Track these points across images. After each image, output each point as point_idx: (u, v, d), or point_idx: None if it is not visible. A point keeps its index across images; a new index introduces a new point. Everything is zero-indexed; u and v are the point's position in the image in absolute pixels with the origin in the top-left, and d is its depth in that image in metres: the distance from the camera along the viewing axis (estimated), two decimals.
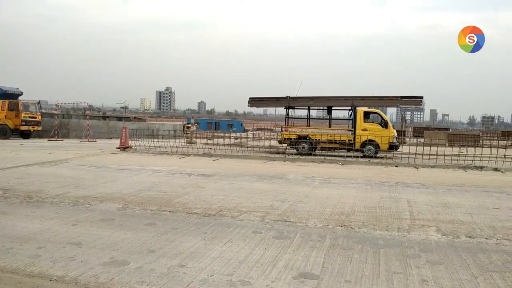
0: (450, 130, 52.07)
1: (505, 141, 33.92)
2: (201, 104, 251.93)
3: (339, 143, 18.31)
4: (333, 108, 20.12)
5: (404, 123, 45.96)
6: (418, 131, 44.40)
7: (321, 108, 21.58)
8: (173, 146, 17.74)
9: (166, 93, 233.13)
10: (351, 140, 18.16)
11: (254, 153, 17.02)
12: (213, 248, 4.85)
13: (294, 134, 19.02)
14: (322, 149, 18.51)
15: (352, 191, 8.99)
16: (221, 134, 31.25)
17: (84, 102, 33.24)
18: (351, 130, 18.50)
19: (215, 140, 23.66)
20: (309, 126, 19.98)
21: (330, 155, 17.07)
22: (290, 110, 19.68)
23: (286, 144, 19.20)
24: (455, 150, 20.27)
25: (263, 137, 27.92)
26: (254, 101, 20.69)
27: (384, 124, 18.42)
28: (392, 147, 18.03)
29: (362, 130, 18.23)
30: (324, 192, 8.78)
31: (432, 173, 12.74)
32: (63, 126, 29.63)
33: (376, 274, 4.19)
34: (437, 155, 16.03)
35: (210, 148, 17.91)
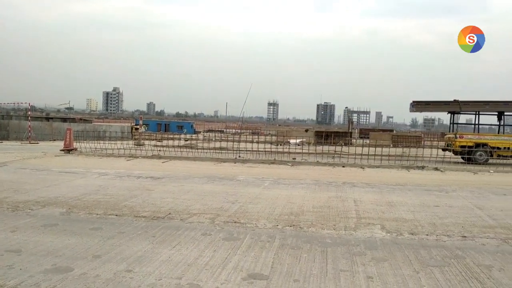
0: (394, 132, 54.13)
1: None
2: (150, 105, 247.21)
3: None
4: (505, 113, 19.46)
5: (351, 125, 47.27)
6: (364, 133, 45.89)
7: (491, 113, 20.02)
8: (120, 148, 17.28)
9: (114, 94, 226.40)
10: None
11: (205, 154, 16.90)
12: (162, 252, 4.77)
13: (470, 141, 18.08)
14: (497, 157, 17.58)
15: (301, 191, 9.13)
16: (171, 136, 30.83)
17: (26, 102, 31.65)
18: None
19: (165, 142, 23.34)
20: (478, 132, 19.42)
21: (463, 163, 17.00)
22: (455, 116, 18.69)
23: (450, 151, 18.43)
24: (399, 150, 21.08)
25: (213, 139, 27.81)
26: (420, 105, 19.71)
27: None
28: None
29: None
30: (274, 193, 8.87)
31: (377, 173, 13.19)
32: (3, 128, 28.11)
33: (324, 272, 4.27)
34: (382, 155, 16.62)
35: (159, 150, 17.63)
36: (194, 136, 37.32)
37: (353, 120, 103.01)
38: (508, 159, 17.38)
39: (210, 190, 8.99)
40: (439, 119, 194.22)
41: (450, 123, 20.15)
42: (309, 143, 23.21)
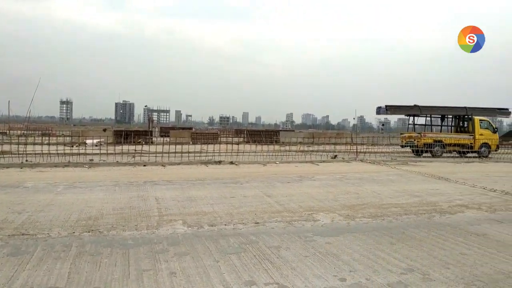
0: (193, 129, 56.05)
1: (237, 138, 38.59)
2: None
3: (461, 146, 22.46)
4: (447, 116, 24.62)
5: (151, 123, 47.01)
6: (165, 131, 46.16)
7: (437, 116, 25.15)
8: None
9: None
10: (471, 144, 22.59)
11: None
12: None
13: (431, 139, 22.55)
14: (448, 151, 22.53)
15: (100, 194, 8.68)
16: None
17: None
18: (472, 135, 22.88)
19: None
20: (431, 132, 24.18)
21: (453, 157, 21.57)
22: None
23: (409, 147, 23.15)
24: (198, 147, 21.90)
25: None
26: (392, 108, 23.94)
27: (494, 129, 23.97)
28: (497, 148, 23.64)
29: (480, 135, 22.93)
30: (69, 198, 8.20)
31: (178, 170, 13.44)
32: None
33: (126, 275, 4.15)
34: (182, 152, 17.01)
35: None
36: None
37: (154, 118, 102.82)
38: (451, 153, 22.43)
39: None
40: (233, 117, 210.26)
41: (409, 124, 24.86)
42: (107, 143, 22.19)
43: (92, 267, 4.36)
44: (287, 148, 21.65)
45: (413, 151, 23.04)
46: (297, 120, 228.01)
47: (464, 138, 23.10)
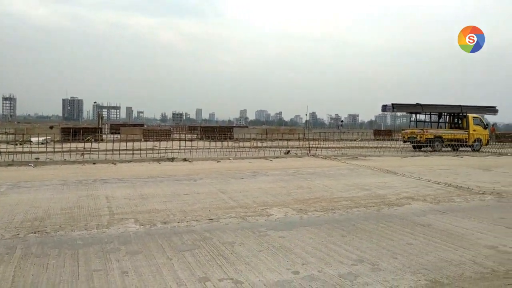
0: (145, 126, 54.97)
1: (191, 135, 38.26)
2: None
3: (457, 141, 24.13)
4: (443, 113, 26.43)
5: (100, 120, 45.60)
6: (115, 128, 44.90)
7: (435, 113, 26.58)
8: None
9: None
10: (466, 139, 24.45)
11: None
12: None
13: (431, 134, 24.34)
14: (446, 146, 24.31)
15: (46, 193, 8.34)
16: None
17: None
18: (467, 131, 24.78)
19: None
20: (431, 128, 25.71)
21: (446, 151, 23.70)
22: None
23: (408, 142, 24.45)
24: (150, 144, 21.52)
25: None
26: (398, 106, 25.62)
27: (485, 126, 26.17)
28: (488, 142, 26.01)
29: (473, 131, 24.95)
30: (13, 198, 7.83)
31: (129, 168, 13.15)
32: None
33: (75, 276, 4.01)
34: (133, 150, 16.63)
35: None
36: None
37: (103, 115, 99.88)
38: (449, 147, 24.31)
39: None
40: (186, 113, 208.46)
41: (411, 121, 26.82)
42: (54, 141, 21.33)
43: (39, 269, 4.18)
44: (241, 144, 21.67)
45: (413, 146, 24.51)
46: (251, 116, 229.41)
47: (460, 134, 25.02)
